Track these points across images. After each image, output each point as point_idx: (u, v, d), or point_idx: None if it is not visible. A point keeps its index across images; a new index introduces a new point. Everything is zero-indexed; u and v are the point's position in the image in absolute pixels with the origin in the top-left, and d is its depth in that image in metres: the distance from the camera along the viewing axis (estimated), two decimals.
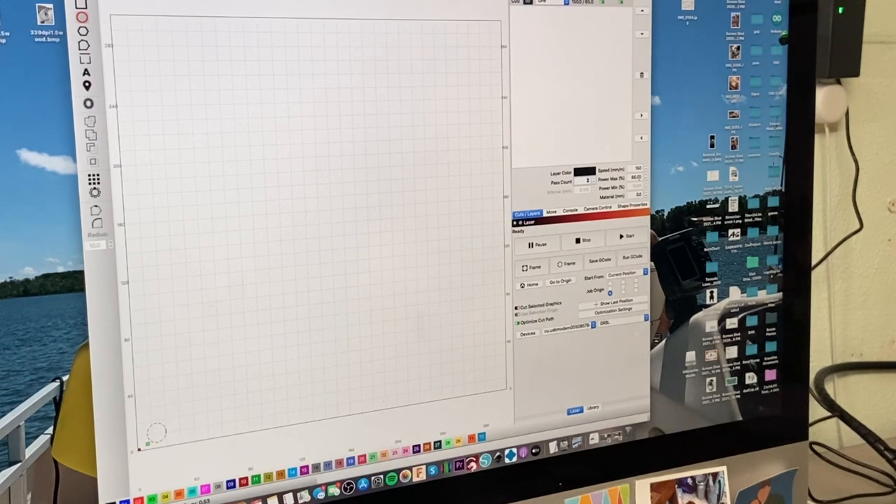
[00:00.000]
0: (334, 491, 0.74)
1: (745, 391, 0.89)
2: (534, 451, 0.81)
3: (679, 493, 0.85)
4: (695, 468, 0.86)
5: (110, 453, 0.66)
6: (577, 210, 0.79)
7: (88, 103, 0.63)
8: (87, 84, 0.63)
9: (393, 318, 0.74)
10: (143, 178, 0.65)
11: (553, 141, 0.77)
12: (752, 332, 0.88)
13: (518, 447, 0.80)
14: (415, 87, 0.72)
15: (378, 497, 0.75)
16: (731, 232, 0.86)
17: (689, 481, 0.86)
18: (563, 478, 0.82)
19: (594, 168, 0.79)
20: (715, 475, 0.86)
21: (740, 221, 0.86)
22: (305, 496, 0.73)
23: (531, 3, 0.75)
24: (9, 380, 0.63)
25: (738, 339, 0.88)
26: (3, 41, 0.60)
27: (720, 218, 0.85)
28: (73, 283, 0.64)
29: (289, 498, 0.72)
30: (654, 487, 0.84)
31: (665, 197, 0.82)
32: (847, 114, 1.17)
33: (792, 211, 0.88)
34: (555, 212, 0.78)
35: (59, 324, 0.64)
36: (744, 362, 0.88)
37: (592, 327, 0.81)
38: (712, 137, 0.84)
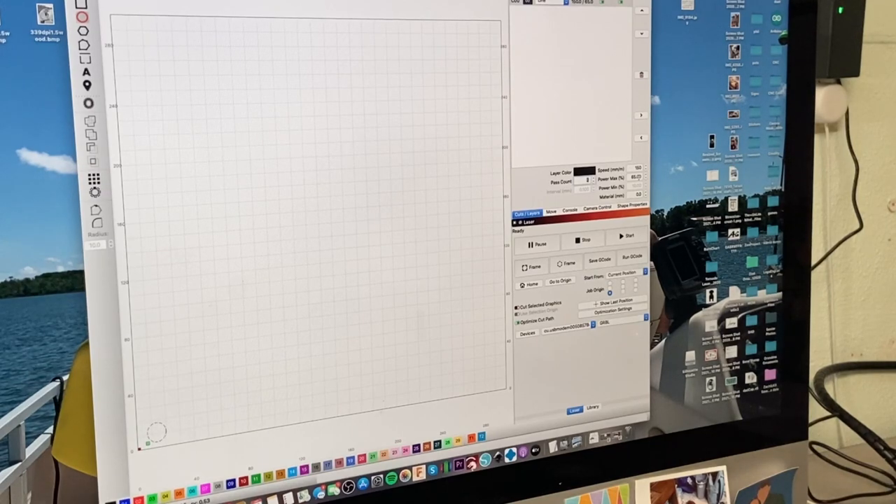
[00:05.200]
0: (334, 490, 0.74)
1: (744, 391, 0.89)
2: (534, 450, 0.81)
3: (679, 492, 0.85)
4: (694, 468, 0.86)
5: (110, 453, 0.66)
6: (576, 210, 0.79)
7: (88, 103, 0.63)
8: (87, 84, 0.63)
9: (393, 317, 0.74)
10: (143, 178, 0.65)
11: (553, 141, 0.77)
12: (752, 331, 0.88)
13: (518, 447, 0.80)
14: (415, 87, 0.72)
15: (378, 497, 0.76)
16: (730, 232, 0.86)
17: (689, 481, 0.86)
18: (562, 477, 0.82)
19: (594, 168, 0.79)
20: (714, 475, 0.86)
21: (740, 221, 0.86)
22: (305, 496, 0.73)
23: (531, 2, 0.75)
24: (9, 379, 0.63)
25: (738, 338, 0.88)
26: (3, 41, 0.60)
27: (720, 218, 0.85)
28: (73, 282, 0.64)
29: (289, 497, 0.73)
30: (654, 487, 0.84)
31: (665, 197, 0.82)
32: (847, 114, 1.17)
33: (792, 211, 0.88)
34: (554, 211, 0.78)
35: (59, 323, 0.64)
36: (743, 362, 0.88)
37: (592, 327, 0.81)
38: (712, 137, 0.84)
